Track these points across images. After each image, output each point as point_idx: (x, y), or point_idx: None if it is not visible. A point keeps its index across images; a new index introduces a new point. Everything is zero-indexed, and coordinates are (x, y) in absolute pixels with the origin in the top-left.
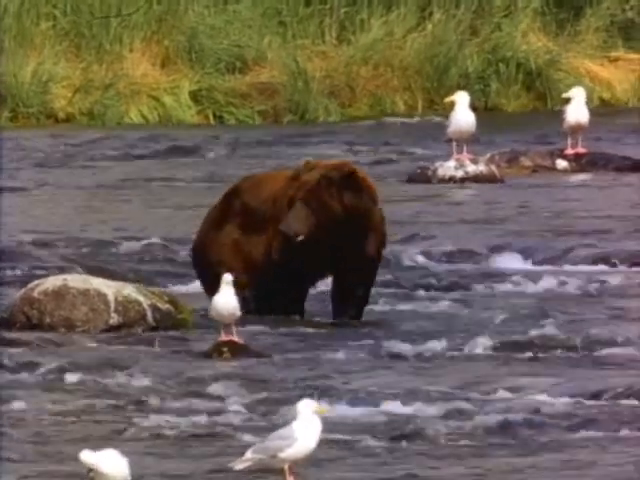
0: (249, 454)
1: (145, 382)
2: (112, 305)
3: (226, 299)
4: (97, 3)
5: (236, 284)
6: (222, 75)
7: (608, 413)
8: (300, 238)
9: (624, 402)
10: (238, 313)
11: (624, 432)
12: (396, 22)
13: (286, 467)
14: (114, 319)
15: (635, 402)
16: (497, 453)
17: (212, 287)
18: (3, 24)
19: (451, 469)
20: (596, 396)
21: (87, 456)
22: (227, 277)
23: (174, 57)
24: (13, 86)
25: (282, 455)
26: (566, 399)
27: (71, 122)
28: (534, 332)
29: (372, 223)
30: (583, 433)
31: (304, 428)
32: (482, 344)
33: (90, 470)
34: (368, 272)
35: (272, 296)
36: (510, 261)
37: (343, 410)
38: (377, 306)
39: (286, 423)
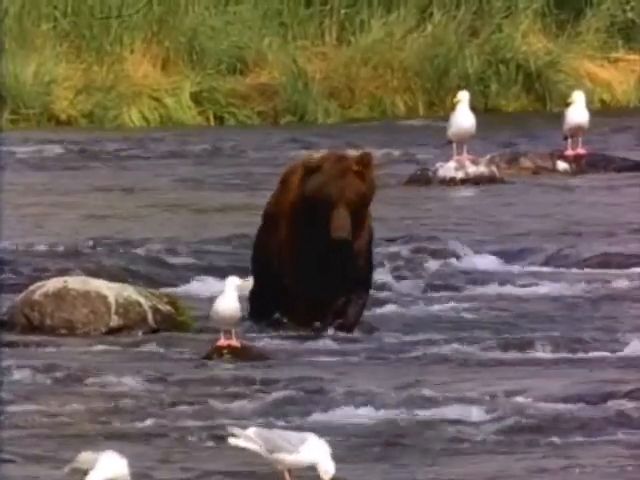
0: (252, 434)
1: (145, 384)
2: (113, 307)
3: (227, 302)
4: (97, 4)
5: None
6: (223, 76)
7: (609, 415)
8: None
9: (626, 404)
10: (238, 316)
11: (626, 433)
12: (396, 23)
13: (286, 474)
14: (115, 321)
15: (637, 404)
16: (499, 455)
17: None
18: (4, 25)
19: (452, 472)
20: (598, 398)
21: (86, 457)
22: (232, 280)
23: (175, 58)
24: (14, 87)
25: (285, 461)
26: (568, 401)
27: (72, 124)
28: (534, 334)
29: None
30: (585, 436)
31: (316, 448)
32: (483, 346)
33: (88, 471)
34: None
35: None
36: (510, 263)
37: (343, 412)
38: (377, 308)
39: (294, 429)
